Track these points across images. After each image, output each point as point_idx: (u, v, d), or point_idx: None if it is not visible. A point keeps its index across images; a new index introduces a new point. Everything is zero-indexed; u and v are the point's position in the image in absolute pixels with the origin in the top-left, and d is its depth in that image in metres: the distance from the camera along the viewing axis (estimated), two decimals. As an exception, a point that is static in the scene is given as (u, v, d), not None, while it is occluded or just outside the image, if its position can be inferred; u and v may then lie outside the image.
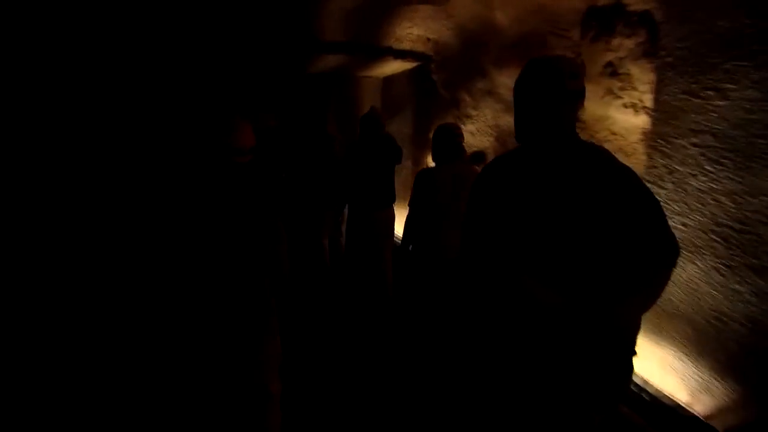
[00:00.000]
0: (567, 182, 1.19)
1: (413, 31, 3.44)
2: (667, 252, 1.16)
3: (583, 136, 2.64)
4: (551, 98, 1.24)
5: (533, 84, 1.26)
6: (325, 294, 3.64)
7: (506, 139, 3.26)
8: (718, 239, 1.76)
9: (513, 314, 1.25)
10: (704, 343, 1.79)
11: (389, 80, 4.30)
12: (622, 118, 2.30)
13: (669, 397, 1.90)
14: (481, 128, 3.44)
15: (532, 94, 1.26)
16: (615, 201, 1.15)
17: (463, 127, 3.61)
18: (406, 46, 3.53)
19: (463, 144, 2.76)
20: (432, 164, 2.77)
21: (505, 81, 3.13)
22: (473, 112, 3.46)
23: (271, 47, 3.40)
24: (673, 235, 1.17)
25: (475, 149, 3.54)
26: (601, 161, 1.22)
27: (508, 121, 3.21)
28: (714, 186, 1.77)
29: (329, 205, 3.71)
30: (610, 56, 2.20)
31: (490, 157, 3.44)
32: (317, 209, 3.72)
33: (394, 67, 3.87)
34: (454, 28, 3.30)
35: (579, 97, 1.27)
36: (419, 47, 3.55)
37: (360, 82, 4.34)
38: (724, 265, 1.74)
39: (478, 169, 3.56)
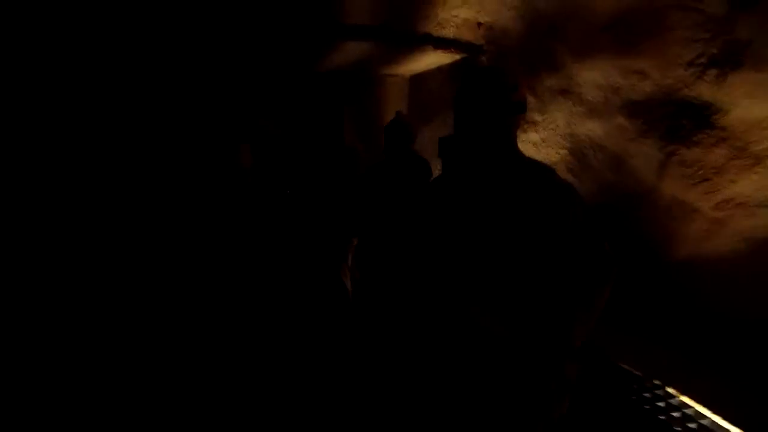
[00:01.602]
0: (509, 204, 1.18)
1: (460, 13, 2.69)
2: (604, 269, 1.18)
3: (723, 148, 1.87)
4: (494, 112, 1.21)
5: (474, 97, 1.22)
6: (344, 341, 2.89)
7: (585, 153, 2.50)
8: None
9: (455, 342, 1.23)
10: None
11: (419, 79, 3.54)
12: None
13: None
14: (549, 138, 2.67)
15: (472, 108, 1.22)
16: (554, 221, 1.14)
17: (523, 135, 2.85)
18: (449, 33, 2.77)
19: None
20: None
21: (591, 76, 2.37)
22: (538, 118, 2.70)
23: (278, 33, 2.62)
24: (610, 252, 1.19)
25: (539, 164, 2.78)
26: (542, 180, 1.19)
27: (590, 129, 2.45)
28: None
29: (350, 233, 2.94)
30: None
31: (560, 174, 2.68)
32: (334, 238, 2.94)
33: (427, 61, 3.11)
34: (518, 7, 2.54)
35: (521, 110, 1.24)
36: (465, 35, 2.80)
37: (383, 82, 3.58)
38: None
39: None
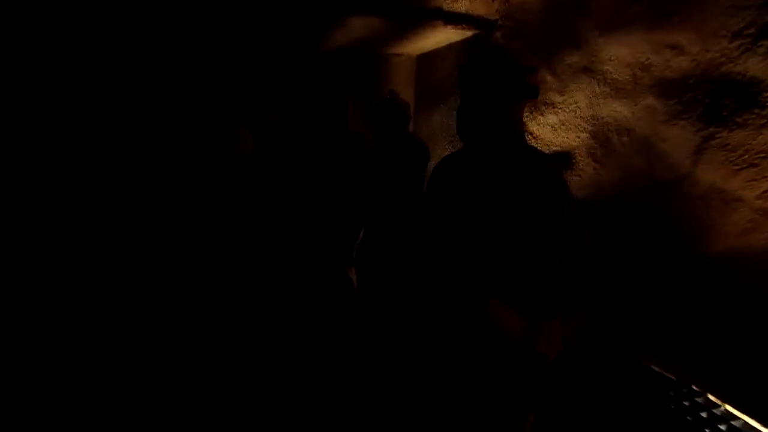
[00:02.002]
0: (516, 192, 1.16)
1: (474, -15, 2.47)
2: (588, 273, 1.20)
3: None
4: (508, 93, 1.16)
5: (488, 76, 1.16)
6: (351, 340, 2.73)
7: (609, 136, 2.31)
8: None
9: (473, 338, 1.19)
10: None
11: (426, 59, 3.33)
12: None
13: None
14: (569, 120, 2.48)
15: (485, 87, 1.16)
16: (548, 214, 1.15)
17: (541, 118, 2.65)
18: (461, 7, 2.56)
19: None
20: None
21: (618, 53, 2.17)
22: (557, 99, 2.50)
23: (278, 12, 2.41)
24: (593, 257, 1.23)
25: (557, 149, 2.59)
26: (544, 171, 1.18)
27: (615, 110, 2.26)
28: None
29: (356, 223, 2.77)
30: None
31: (580, 160, 2.50)
32: (339, 230, 2.77)
33: (437, 39, 2.90)
34: (539, -23, 2.32)
35: (534, 95, 1.20)
36: (479, 10, 2.58)
37: (388, 62, 3.37)
38: None
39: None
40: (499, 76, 1.15)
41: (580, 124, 2.44)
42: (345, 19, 2.51)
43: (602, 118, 2.33)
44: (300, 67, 3.43)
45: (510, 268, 1.15)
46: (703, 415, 1.47)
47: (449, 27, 2.61)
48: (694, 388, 1.60)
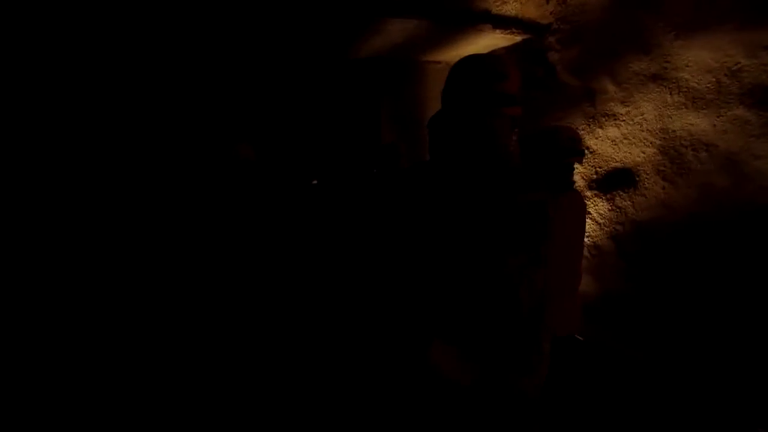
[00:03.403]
0: (491, 225, 1.02)
1: (526, -15, 2.24)
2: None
3: None
4: (475, 106, 1.02)
5: (452, 90, 1.06)
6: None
7: (682, 152, 2.03)
8: None
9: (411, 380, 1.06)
10: None
11: (466, 68, 3.11)
12: None
13: None
14: (633, 133, 2.21)
15: (451, 103, 1.06)
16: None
17: (599, 131, 2.39)
18: (510, 10, 2.34)
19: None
20: None
21: (698, 57, 1.90)
22: (620, 110, 2.24)
23: (306, 15, 2.23)
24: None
25: (617, 165, 2.31)
26: (527, 203, 1.02)
27: (691, 122, 1.98)
28: None
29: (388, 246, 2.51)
30: None
31: (646, 178, 2.22)
32: (368, 250, 2.53)
33: (482, 44, 2.68)
34: (603, -26, 2.09)
35: (506, 103, 1.03)
36: (531, 12, 2.36)
37: (424, 69, 3.15)
38: None
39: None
40: (464, 86, 1.04)
41: (646, 138, 2.17)
42: (384, 22, 2.31)
43: (674, 131, 2.06)
44: (329, 75, 3.25)
45: (474, 308, 1.03)
46: None
47: (498, 31, 2.39)
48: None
